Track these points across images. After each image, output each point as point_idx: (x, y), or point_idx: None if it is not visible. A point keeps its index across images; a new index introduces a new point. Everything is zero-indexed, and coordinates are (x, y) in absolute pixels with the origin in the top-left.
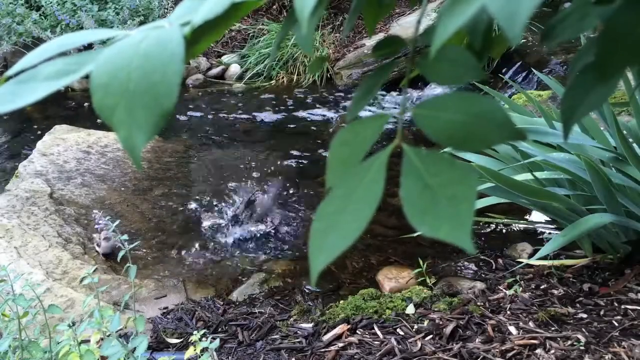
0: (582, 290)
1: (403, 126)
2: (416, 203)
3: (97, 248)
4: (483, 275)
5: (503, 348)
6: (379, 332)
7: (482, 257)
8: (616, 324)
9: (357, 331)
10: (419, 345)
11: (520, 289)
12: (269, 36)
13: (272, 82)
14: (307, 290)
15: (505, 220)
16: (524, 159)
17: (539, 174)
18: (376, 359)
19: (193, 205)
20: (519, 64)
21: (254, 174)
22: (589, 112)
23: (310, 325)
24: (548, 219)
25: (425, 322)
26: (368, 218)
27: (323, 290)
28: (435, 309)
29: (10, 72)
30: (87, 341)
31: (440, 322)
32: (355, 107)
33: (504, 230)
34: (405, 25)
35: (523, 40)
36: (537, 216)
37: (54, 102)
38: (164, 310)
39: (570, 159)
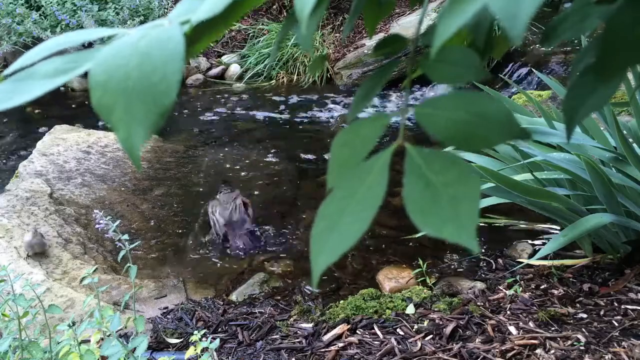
0: (582, 290)
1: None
2: (419, 203)
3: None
4: (483, 275)
5: (503, 348)
6: (379, 332)
7: (482, 257)
8: (616, 324)
9: (357, 331)
10: (419, 345)
11: (520, 289)
12: (269, 36)
13: (272, 82)
14: (307, 290)
15: (506, 220)
16: (524, 159)
17: (539, 174)
18: (376, 359)
19: (193, 206)
20: (519, 64)
21: (254, 174)
22: (591, 113)
23: (310, 325)
24: (548, 219)
25: (425, 322)
26: (370, 219)
27: (323, 290)
28: (435, 309)
29: (8, 70)
30: (87, 341)
31: (440, 322)
32: (356, 108)
33: (504, 230)
34: (405, 26)
35: (523, 41)
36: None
37: (54, 102)
38: (164, 310)
39: (570, 159)
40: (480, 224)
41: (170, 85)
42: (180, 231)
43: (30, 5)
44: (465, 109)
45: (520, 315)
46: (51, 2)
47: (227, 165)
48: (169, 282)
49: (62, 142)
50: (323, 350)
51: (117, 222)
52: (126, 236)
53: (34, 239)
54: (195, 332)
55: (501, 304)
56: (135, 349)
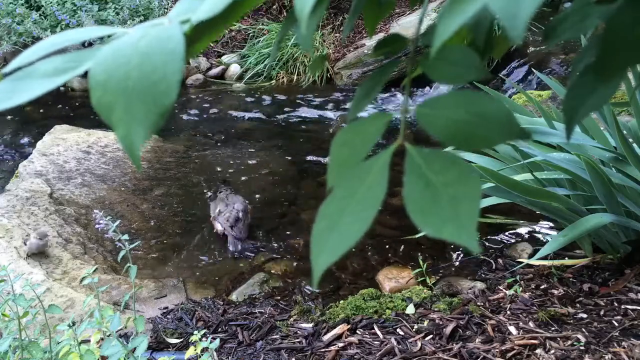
0: (582, 290)
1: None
2: (419, 202)
3: (24, 247)
4: (483, 275)
5: (503, 348)
6: (379, 332)
7: (482, 257)
8: (616, 324)
9: (357, 331)
10: (419, 345)
11: (520, 289)
12: (269, 36)
13: (272, 82)
14: (307, 290)
15: (505, 220)
16: (524, 159)
17: (539, 174)
18: (376, 359)
19: (193, 206)
20: (519, 64)
21: (254, 174)
22: (591, 113)
23: (310, 325)
24: (548, 219)
25: (425, 322)
26: (370, 219)
27: (323, 290)
28: (435, 309)
29: (7, 69)
30: (87, 341)
31: (440, 322)
32: (356, 108)
33: (504, 230)
34: (405, 26)
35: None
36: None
37: (54, 102)
38: (164, 310)
39: (570, 159)
40: (480, 224)
41: (170, 85)
42: (180, 231)
43: (30, 5)
44: (465, 109)
45: (520, 315)
46: (51, 2)
47: (227, 165)
48: (169, 282)
49: (62, 142)
50: (323, 350)
51: (117, 222)
52: (126, 236)
53: (40, 239)
54: (195, 332)
55: (501, 304)
56: (135, 349)
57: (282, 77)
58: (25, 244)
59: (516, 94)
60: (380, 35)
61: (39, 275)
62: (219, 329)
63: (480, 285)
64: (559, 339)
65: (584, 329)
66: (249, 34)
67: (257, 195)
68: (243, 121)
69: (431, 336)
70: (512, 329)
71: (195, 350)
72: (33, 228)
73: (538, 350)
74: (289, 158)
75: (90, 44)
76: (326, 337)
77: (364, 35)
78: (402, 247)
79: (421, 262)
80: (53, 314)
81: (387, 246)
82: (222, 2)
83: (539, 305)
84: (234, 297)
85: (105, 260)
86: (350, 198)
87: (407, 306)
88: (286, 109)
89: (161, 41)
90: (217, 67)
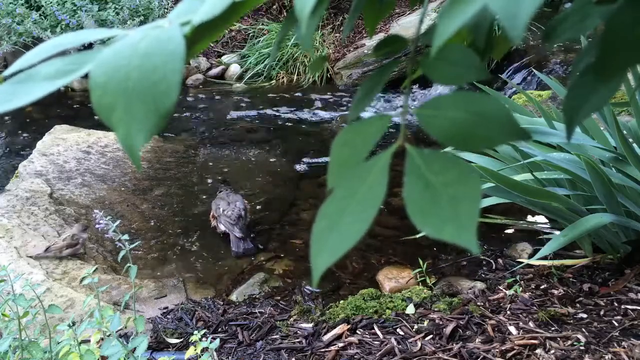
0: (582, 290)
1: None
2: (419, 203)
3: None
4: (483, 275)
5: (503, 348)
6: (379, 332)
7: (482, 257)
8: (616, 324)
9: (357, 331)
10: (419, 345)
11: (520, 289)
12: (269, 36)
13: (272, 82)
14: (307, 290)
15: (505, 220)
16: (524, 159)
17: (539, 174)
18: (376, 359)
19: (193, 206)
20: (518, 64)
21: (254, 174)
22: (591, 113)
23: (310, 325)
24: (548, 219)
25: (425, 322)
26: (370, 220)
27: (323, 290)
28: (435, 309)
29: (7, 71)
30: (87, 341)
31: (440, 322)
32: (357, 108)
33: (504, 230)
34: (405, 26)
35: (525, 43)
36: (538, 217)
37: (54, 102)
38: (164, 310)
39: (570, 159)
40: (480, 224)
41: (170, 85)
42: (180, 231)
43: (30, 5)
44: (465, 109)
45: (520, 315)
46: (51, 2)
47: (227, 165)
48: (169, 282)
49: (62, 142)
50: (323, 350)
51: (117, 222)
52: (126, 236)
53: (84, 231)
54: (195, 332)
55: (501, 304)
56: (135, 349)
57: (282, 77)
58: (65, 249)
59: (516, 94)
60: (381, 35)
61: (39, 275)
62: (219, 329)
63: (480, 285)
64: (559, 339)
65: (584, 329)
66: (249, 34)
67: (257, 195)
68: (243, 121)
69: (431, 336)
70: (512, 329)
71: (195, 350)
72: (33, 228)
73: (538, 350)
74: (289, 158)
75: (91, 45)
76: (326, 337)
77: (364, 35)
78: (402, 247)
79: (421, 262)
80: (53, 314)
81: (387, 246)
82: (222, 3)
83: (539, 305)
84: (234, 297)
85: (105, 260)
86: (350, 198)
87: (407, 306)
88: (286, 109)
89: (161, 42)
90: (217, 67)
